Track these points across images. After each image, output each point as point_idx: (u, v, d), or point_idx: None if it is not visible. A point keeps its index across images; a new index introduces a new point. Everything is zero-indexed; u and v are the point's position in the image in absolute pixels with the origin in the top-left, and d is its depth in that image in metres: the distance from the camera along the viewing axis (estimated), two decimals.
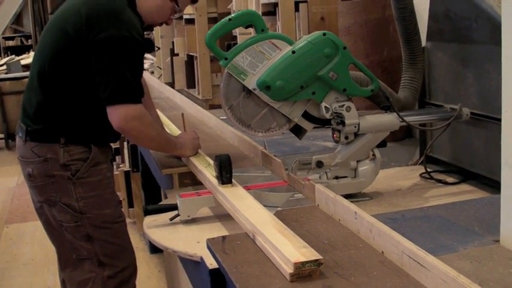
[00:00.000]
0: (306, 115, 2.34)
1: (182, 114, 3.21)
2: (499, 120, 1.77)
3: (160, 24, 2.84)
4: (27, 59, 9.78)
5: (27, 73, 9.18)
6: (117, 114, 2.49)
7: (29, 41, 14.58)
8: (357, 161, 2.35)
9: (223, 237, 1.89)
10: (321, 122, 2.37)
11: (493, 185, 2.35)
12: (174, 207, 2.29)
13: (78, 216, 2.61)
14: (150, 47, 6.85)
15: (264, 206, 2.08)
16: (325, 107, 2.29)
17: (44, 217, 2.71)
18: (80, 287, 2.70)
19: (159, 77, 6.17)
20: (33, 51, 11.43)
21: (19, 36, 15.30)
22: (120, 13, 2.48)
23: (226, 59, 2.27)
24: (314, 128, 2.39)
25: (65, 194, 2.60)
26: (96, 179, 2.64)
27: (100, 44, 2.44)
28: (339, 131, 2.34)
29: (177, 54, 5.56)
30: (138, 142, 2.82)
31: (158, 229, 2.26)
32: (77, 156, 2.59)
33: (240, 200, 2.12)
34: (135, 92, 2.52)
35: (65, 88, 2.55)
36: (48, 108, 2.58)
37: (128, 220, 5.13)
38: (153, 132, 2.63)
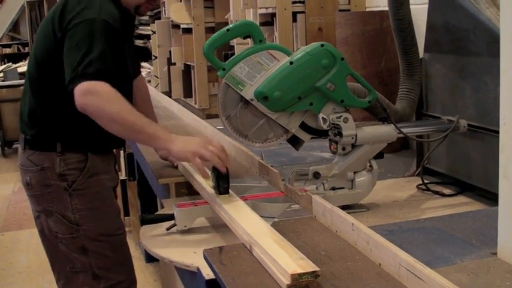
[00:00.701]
0: (304, 126, 2.34)
1: None
2: (497, 132, 1.77)
3: (153, 2, 2.72)
4: (24, 66, 9.78)
5: (24, 81, 9.19)
6: (76, 93, 2.35)
7: (26, 48, 14.57)
8: (354, 172, 2.35)
9: (220, 248, 1.88)
10: (318, 133, 2.37)
11: (490, 197, 2.35)
12: (170, 217, 2.29)
13: (73, 228, 2.58)
14: (147, 56, 6.87)
15: (261, 216, 2.07)
16: (323, 118, 2.29)
17: (40, 227, 2.69)
18: None
19: (156, 86, 6.17)
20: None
21: (16, 43, 15.28)
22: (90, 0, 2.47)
23: (224, 69, 2.27)
24: (311, 138, 2.39)
25: (61, 205, 2.58)
26: (94, 190, 2.61)
27: (68, 31, 2.42)
28: (336, 142, 2.34)
29: (174, 64, 5.56)
30: (100, 121, 2.40)
31: (155, 239, 2.26)
32: (73, 165, 2.57)
33: (237, 211, 2.11)
34: (98, 70, 2.35)
35: (54, 91, 2.52)
36: (40, 112, 2.58)
37: None
38: (114, 108, 2.36)
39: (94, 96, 2.34)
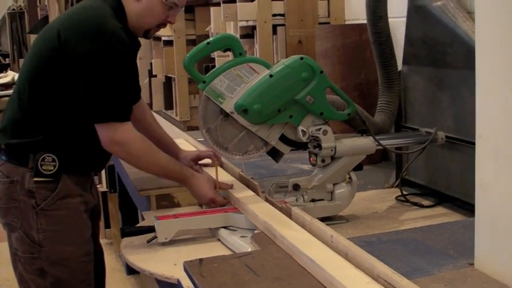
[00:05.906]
0: (283, 138, 2.36)
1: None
2: (474, 143, 1.79)
3: (164, 26, 2.58)
4: (5, 78, 9.69)
5: (5, 92, 9.13)
6: (102, 135, 2.33)
7: (7, 59, 14.51)
8: (334, 184, 2.37)
9: (201, 260, 1.89)
10: (298, 145, 2.39)
11: (468, 208, 2.37)
12: (151, 229, 2.29)
13: (35, 248, 2.38)
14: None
15: (241, 228, 2.08)
16: (302, 130, 2.31)
17: (7, 239, 2.52)
18: None
19: None
20: (10, 69, 11.34)
21: None
22: (101, 25, 2.29)
23: (204, 82, 2.28)
24: (291, 150, 2.41)
25: (25, 222, 2.38)
26: (63, 213, 2.41)
27: (79, 60, 2.27)
28: (316, 154, 2.36)
29: (155, 76, 5.56)
30: (131, 164, 2.53)
31: (135, 251, 2.25)
32: (43, 184, 2.37)
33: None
34: (119, 110, 2.33)
35: (38, 106, 2.37)
36: (23, 123, 2.39)
37: (104, 241, 5.13)
38: (142, 162, 2.44)
39: (122, 147, 2.36)
